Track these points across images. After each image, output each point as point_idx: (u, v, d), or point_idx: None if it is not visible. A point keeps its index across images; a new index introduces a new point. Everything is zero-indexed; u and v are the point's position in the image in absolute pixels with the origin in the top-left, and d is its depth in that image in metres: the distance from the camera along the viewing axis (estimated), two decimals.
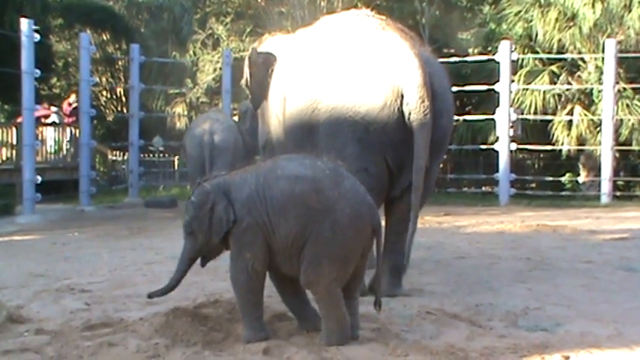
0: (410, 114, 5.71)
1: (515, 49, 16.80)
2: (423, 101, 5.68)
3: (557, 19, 17.97)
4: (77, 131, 17.12)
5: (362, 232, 4.51)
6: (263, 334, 4.64)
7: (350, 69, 5.99)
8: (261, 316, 4.72)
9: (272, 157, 5.48)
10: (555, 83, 17.85)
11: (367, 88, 5.83)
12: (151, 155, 22.36)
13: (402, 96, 5.74)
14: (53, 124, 18.81)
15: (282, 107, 6.63)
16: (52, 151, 18.34)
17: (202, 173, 11.59)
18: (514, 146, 15.73)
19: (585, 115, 17.50)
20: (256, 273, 4.58)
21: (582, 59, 18.02)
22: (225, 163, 10.99)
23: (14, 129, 16.05)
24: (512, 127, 15.74)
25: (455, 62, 16.41)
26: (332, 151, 5.68)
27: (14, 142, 15.90)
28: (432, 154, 5.88)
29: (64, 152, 18.61)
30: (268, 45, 7.64)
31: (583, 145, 17.81)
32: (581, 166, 18.93)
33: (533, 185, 18.99)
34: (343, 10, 7.67)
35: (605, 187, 15.67)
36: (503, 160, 15.69)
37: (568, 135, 17.78)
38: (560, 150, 18.15)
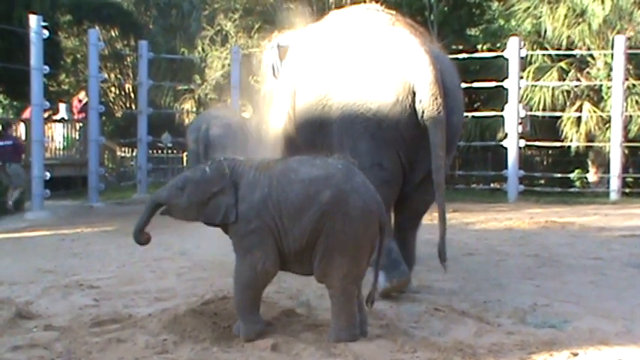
0: (423, 112, 5.63)
1: (524, 45, 16.78)
2: (436, 98, 5.61)
3: (566, 16, 17.97)
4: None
5: (371, 227, 4.52)
6: (259, 326, 4.63)
7: (361, 65, 5.94)
8: (256, 311, 4.69)
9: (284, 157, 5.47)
10: (564, 79, 17.84)
11: (378, 85, 5.77)
12: (160, 151, 22.42)
13: (414, 93, 5.67)
14: (62, 120, 18.85)
15: (291, 103, 6.60)
16: (61, 147, 18.38)
17: None
18: (523, 143, 15.72)
19: (594, 111, 17.51)
20: (267, 273, 4.57)
21: (591, 55, 17.99)
22: None
23: (22, 125, 16.07)
24: (520, 123, 15.73)
25: (463, 58, 16.33)
26: (345, 147, 5.68)
27: (23, 138, 15.92)
28: None
29: (74, 148, 18.66)
30: (281, 40, 7.61)
31: (592, 141, 17.80)
32: (590, 163, 18.93)
33: (542, 182, 18.98)
34: (352, 6, 7.63)
35: (614, 183, 15.65)
36: (512, 157, 15.68)
37: (577, 131, 17.79)
38: (569, 146, 18.18)
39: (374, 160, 5.67)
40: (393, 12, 6.65)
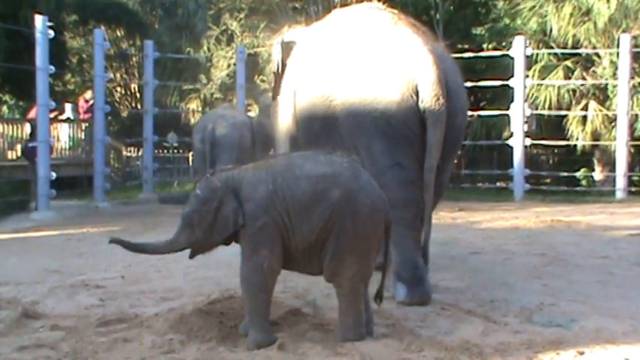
0: (425, 112, 5.63)
1: (530, 44, 16.73)
2: (438, 99, 5.60)
3: (571, 14, 17.92)
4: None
5: (379, 225, 4.52)
6: (273, 337, 4.55)
7: (364, 64, 5.92)
8: (268, 317, 4.64)
9: (284, 153, 5.44)
10: (570, 78, 17.79)
11: (382, 83, 5.75)
12: (166, 151, 22.39)
13: (417, 92, 5.67)
14: (68, 120, 18.87)
15: (293, 102, 6.59)
16: (67, 147, 18.40)
17: (206, 169, 11.62)
18: (528, 142, 15.68)
19: (600, 110, 17.46)
20: (272, 271, 4.53)
21: (597, 54, 17.94)
22: (230, 159, 11.01)
23: (28, 125, 16.09)
24: (526, 122, 15.70)
25: (469, 57, 16.28)
26: (360, 147, 5.66)
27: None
28: (447, 153, 5.83)
29: (80, 148, 18.69)
30: (286, 37, 7.60)
31: (598, 140, 17.76)
32: (595, 162, 18.90)
33: (548, 181, 18.92)
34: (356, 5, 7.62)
35: (620, 182, 15.60)
36: (518, 156, 15.64)
37: (583, 130, 17.75)
38: (575, 145, 18.15)
39: (393, 160, 5.65)
40: (396, 11, 6.64)
